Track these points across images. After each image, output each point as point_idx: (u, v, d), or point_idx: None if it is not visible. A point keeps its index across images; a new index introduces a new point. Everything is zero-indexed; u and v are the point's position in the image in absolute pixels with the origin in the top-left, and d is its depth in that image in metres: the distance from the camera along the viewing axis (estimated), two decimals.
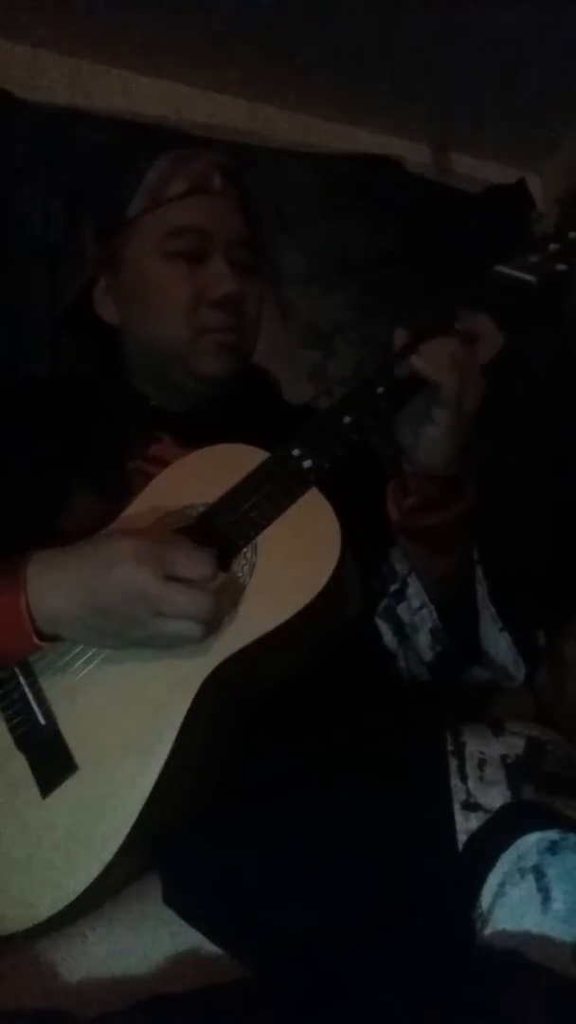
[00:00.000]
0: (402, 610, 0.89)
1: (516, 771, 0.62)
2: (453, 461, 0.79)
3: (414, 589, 0.88)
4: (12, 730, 0.75)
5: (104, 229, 0.97)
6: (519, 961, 0.55)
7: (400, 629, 0.89)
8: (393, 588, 0.89)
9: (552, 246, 0.82)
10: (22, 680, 0.77)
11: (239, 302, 0.93)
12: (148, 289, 0.93)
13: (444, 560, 0.86)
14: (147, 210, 0.92)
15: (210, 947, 0.71)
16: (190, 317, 0.91)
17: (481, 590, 0.87)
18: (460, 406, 0.75)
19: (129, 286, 0.95)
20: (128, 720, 0.72)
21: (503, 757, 0.63)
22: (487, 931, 0.58)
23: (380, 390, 0.78)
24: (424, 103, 1.79)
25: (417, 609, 0.88)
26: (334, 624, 0.77)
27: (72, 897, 0.68)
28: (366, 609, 0.89)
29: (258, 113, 1.77)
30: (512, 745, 0.64)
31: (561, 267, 0.80)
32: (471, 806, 0.61)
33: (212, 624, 0.70)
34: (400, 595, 0.89)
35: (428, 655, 0.88)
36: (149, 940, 0.71)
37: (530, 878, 0.57)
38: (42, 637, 0.72)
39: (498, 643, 0.87)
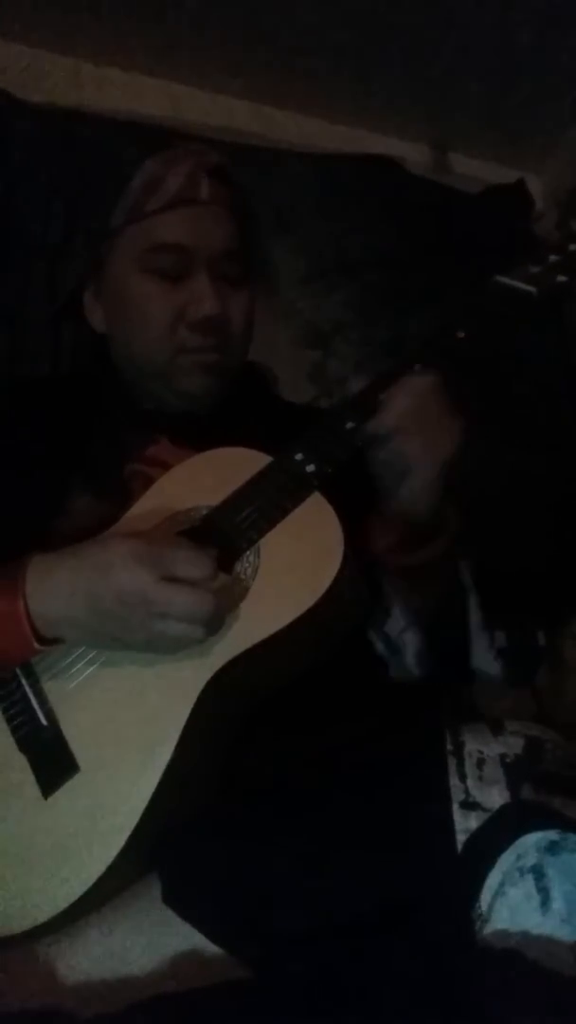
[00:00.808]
0: (389, 627, 0.88)
1: (515, 770, 0.62)
2: (433, 506, 0.78)
3: (398, 611, 0.87)
4: (14, 731, 0.75)
5: (91, 235, 0.96)
6: (519, 961, 0.55)
7: (389, 642, 0.89)
8: (380, 605, 0.89)
9: (553, 257, 0.82)
10: (24, 681, 0.77)
11: (221, 322, 0.90)
12: (128, 304, 0.91)
13: (427, 593, 0.85)
14: (129, 222, 0.90)
15: (209, 947, 0.71)
16: (169, 336, 0.89)
17: (475, 618, 0.86)
18: (429, 463, 0.74)
19: (112, 297, 0.94)
20: (130, 721, 0.72)
21: (502, 756, 0.63)
22: (487, 931, 0.58)
23: (383, 396, 0.77)
24: (424, 103, 1.79)
25: (402, 631, 0.87)
26: (337, 627, 0.77)
27: (73, 898, 0.68)
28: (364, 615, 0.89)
29: (258, 113, 1.76)
30: (511, 744, 0.64)
31: (562, 279, 0.80)
32: (470, 805, 0.61)
33: (213, 625, 0.69)
34: (386, 612, 0.88)
35: (416, 671, 0.88)
36: (148, 940, 0.71)
37: (529, 878, 0.57)
38: (42, 641, 0.72)
39: (491, 665, 0.86)
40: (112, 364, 0.99)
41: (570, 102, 1.78)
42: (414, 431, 0.73)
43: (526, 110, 1.80)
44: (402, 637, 0.87)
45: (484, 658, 0.86)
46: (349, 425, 0.77)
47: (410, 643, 0.86)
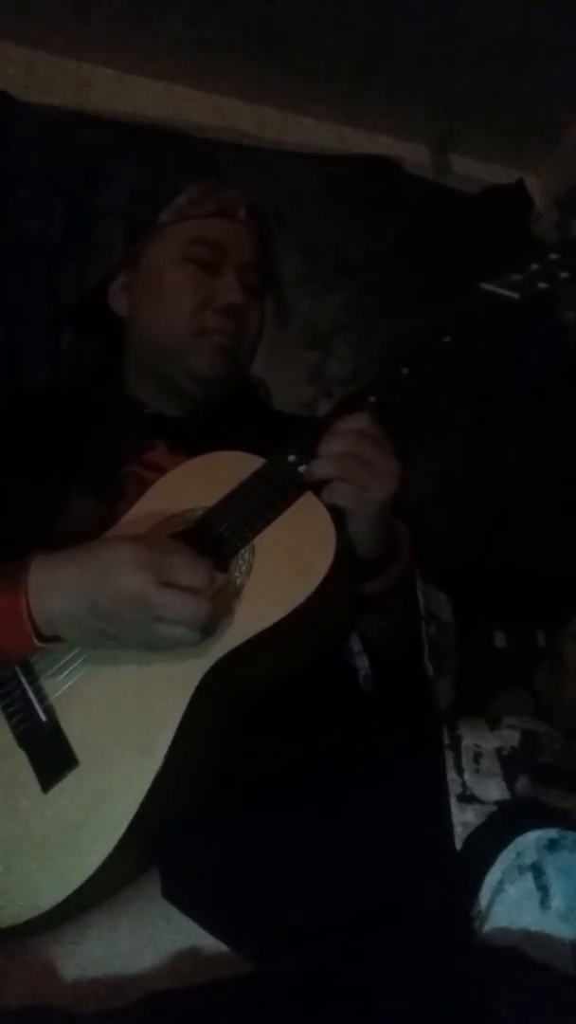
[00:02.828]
0: (349, 647, 0.90)
1: (512, 763, 0.62)
2: (380, 543, 0.79)
3: (354, 636, 0.89)
4: (13, 727, 0.76)
5: (133, 231, 1.05)
6: (518, 959, 0.55)
7: (351, 659, 0.91)
8: None
9: (534, 266, 0.84)
10: (23, 679, 0.77)
11: (242, 313, 0.98)
12: (161, 286, 0.98)
13: (380, 621, 0.87)
14: (174, 221, 1.00)
15: (209, 944, 0.71)
16: (194, 317, 0.96)
17: (447, 619, 0.89)
18: (364, 508, 0.75)
19: (144, 282, 1.01)
20: (128, 716, 0.73)
21: (498, 750, 0.63)
22: (486, 929, 0.58)
23: (373, 399, 0.79)
24: (424, 103, 1.80)
25: (356, 653, 0.90)
26: (331, 623, 0.78)
27: (72, 889, 0.68)
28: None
29: (258, 113, 1.77)
30: (508, 738, 0.64)
31: (543, 285, 0.83)
32: (467, 799, 0.61)
33: (208, 629, 0.71)
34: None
35: (370, 688, 0.90)
36: (148, 936, 0.71)
37: (529, 876, 0.57)
38: (42, 638, 0.73)
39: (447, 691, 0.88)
40: (118, 362, 1.03)
41: (570, 102, 1.78)
42: (347, 478, 0.74)
43: (526, 110, 1.81)
44: (356, 659, 0.90)
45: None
46: (291, 458, 0.78)
47: (361, 667, 0.89)
